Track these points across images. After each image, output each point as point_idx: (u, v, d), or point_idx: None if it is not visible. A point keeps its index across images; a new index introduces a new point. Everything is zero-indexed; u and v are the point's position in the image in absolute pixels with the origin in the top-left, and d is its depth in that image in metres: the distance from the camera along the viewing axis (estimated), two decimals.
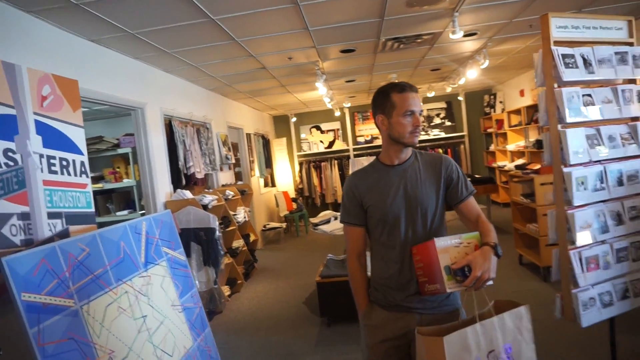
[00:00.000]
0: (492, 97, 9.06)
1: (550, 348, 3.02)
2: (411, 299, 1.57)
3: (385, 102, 1.58)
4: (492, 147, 9.11)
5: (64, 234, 2.46)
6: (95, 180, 4.77)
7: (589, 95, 2.27)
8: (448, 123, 9.42)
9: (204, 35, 3.58)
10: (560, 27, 2.24)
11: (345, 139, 9.69)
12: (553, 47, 2.18)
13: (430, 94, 8.04)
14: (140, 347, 2.31)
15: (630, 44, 2.44)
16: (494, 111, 8.94)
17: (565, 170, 2.21)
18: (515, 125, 7.86)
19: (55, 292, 1.90)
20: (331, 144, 9.73)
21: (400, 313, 1.59)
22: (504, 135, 8.41)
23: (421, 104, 1.60)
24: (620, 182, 2.36)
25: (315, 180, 9.52)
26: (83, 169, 2.73)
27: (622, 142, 2.37)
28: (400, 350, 1.60)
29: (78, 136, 2.72)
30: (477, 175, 7.62)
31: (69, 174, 2.62)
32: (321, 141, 9.76)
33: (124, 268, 2.40)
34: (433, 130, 9.44)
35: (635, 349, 2.84)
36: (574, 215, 2.22)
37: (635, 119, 2.44)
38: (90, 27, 3.09)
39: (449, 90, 7.69)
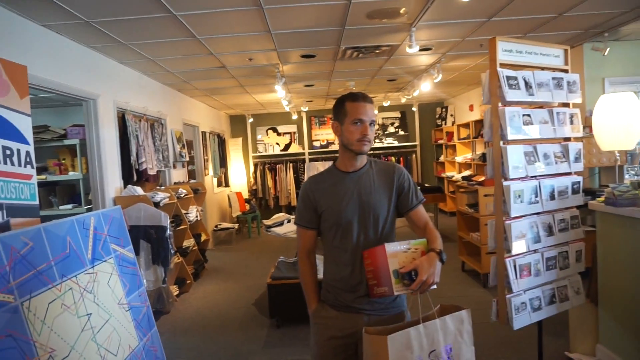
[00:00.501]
0: (444, 109, 9.47)
1: (486, 348, 3.22)
2: (360, 301, 1.64)
3: (340, 109, 1.66)
4: (442, 158, 9.51)
5: (4, 227, 2.35)
6: (38, 171, 4.51)
7: (529, 115, 2.47)
8: (401, 132, 9.73)
9: (163, 30, 3.52)
10: (506, 50, 2.43)
11: (301, 143, 9.77)
12: (499, 69, 2.36)
13: (386, 103, 8.28)
14: (84, 345, 2.24)
15: (566, 71, 2.67)
16: (445, 123, 9.34)
17: (505, 183, 2.39)
18: (464, 138, 8.26)
19: None
20: (287, 146, 9.77)
21: (349, 314, 1.66)
22: (454, 147, 8.81)
23: (374, 115, 1.66)
24: (552, 197, 2.57)
25: (270, 182, 9.52)
26: (28, 160, 2.62)
27: (555, 160, 2.59)
28: (347, 348, 1.67)
29: (24, 125, 2.61)
30: (426, 184, 7.93)
31: (12, 163, 2.51)
32: (277, 143, 9.77)
33: (70, 264, 2.32)
34: (387, 138, 9.71)
35: (559, 350, 3.09)
36: (510, 225, 2.40)
37: (567, 139, 2.67)
38: (43, 11, 2.96)
39: (403, 100, 7.96)
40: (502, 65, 2.41)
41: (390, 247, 1.51)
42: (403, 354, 1.43)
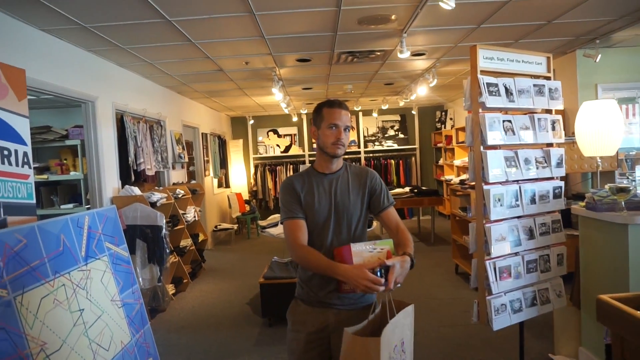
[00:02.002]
0: (443, 113, 9.52)
1: (469, 349, 3.28)
2: (331, 296, 1.73)
3: (317, 114, 1.77)
4: (441, 161, 9.55)
5: (1, 224, 2.44)
6: (40, 171, 4.64)
7: (509, 121, 2.54)
8: (401, 135, 9.79)
9: (160, 35, 3.61)
10: (487, 58, 2.50)
11: (301, 145, 9.85)
12: (479, 76, 2.43)
13: (385, 107, 8.35)
14: (75, 340, 2.32)
15: (548, 78, 2.74)
16: (445, 127, 9.39)
17: (485, 187, 2.45)
18: (462, 142, 8.29)
19: None
20: (287, 148, 9.85)
21: (321, 308, 1.75)
22: (452, 150, 8.85)
23: (349, 121, 1.76)
24: (533, 201, 2.64)
25: (270, 184, 9.60)
26: (26, 160, 2.71)
27: (536, 165, 2.65)
28: (321, 342, 1.75)
29: (22, 126, 2.70)
30: (424, 188, 7.98)
31: (9, 163, 2.60)
32: (278, 145, 9.86)
33: (63, 261, 2.41)
34: (387, 141, 9.77)
35: (543, 352, 3.14)
36: (490, 228, 2.46)
37: (549, 145, 2.73)
38: (41, 16, 3.06)
39: (402, 104, 8.03)
40: (484, 72, 2.48)
41: (356, 247, 1.61)
42: (385, 352, 1.49)
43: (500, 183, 2.51)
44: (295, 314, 1.81)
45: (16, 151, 2.64)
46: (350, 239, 1.74)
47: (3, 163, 2.54)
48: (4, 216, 2.51)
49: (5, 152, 2.56)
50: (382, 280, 1.51)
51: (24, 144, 2.71)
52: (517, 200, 2.57)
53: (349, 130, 1.75)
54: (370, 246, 1.62)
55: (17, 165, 2.64)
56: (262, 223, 4.88)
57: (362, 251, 1.60)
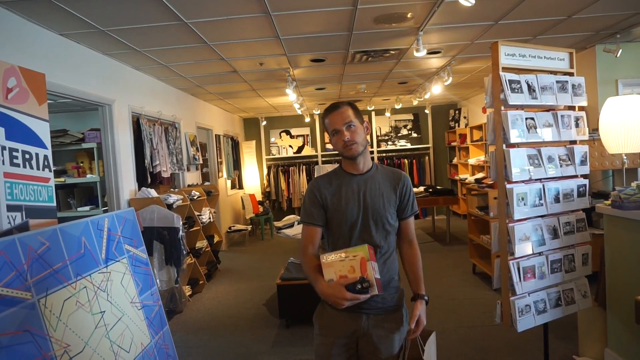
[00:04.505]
0: (457, 111, 9.43)
1: (493, 351, 3.22)
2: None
3: (324, 125, 1.76)
4: (455, 160, 9.46)
5: (23, 227, 2.46)
6: (57, 174, 4.69)
7: (532, 118, 2.48)
8: (414, 134, 9.72)
9: (175, 37, 3.62)
10: (509, 54, 2.45)
11: (314, 145, 9.83)
12: (501, 73, 2.38)
13: (398, 106, 8.29)
14: (97, 342, 2.34)
15: (571, 74, 2.68)
16: (458, 125, 9.30)
17: (508, 186, 2.41)
18: (477, 141, 8.21)
19: (13, 284, 1.92)
20: (300, 149, 9.85)
21: (349, 313, 1.68)
22: (467, 149, 8.76)
23: (350, 115, 1.67)
24: (557, 199, 2.58)
25: (283, 184, 9.61)
26: (46, 163, 2.73)
27: (560, 163, 2.59)
28: (349, 348, 1.71)
29: (42, 130, 2.72)
30: (438, 187, 7.90)
31: (31, 167, 2.62)
32: (290, 146, 9.86)
33: (84, 263, 2.42)
34: (400, 140, 9.71)
35: (568, 353, 3.07)
36: (513, 228, 2.41)
37: (572, 142, 2.68)
38: (61, 21, 3.09)
39: (415, 103, 7.96)
40: (505, 69, 2.43)
41: (326, 258, 1.55)
42: None
43: (523, 182, 2.46)
44: (322, 317, 1.77)
45: (37, 155, 2.66)
46: (379, 242, 1.70)
47: (25, 167, 2.56)
48: (26, 219, 2.53)
49: (27, 156, 2.58)
50: (362, 296, 1.47)
51: (45, 147, 2.73)
52: (540, 199, 2.52)
53: (353, 125, 1.67)
54: (342, 254, 1.54)
55: (38, 168, 2.67)
56: (278, 224, 4.88)
57: (333, 261, 1.53)
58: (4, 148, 2.41)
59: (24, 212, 2.52)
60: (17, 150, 2.50)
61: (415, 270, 1.78)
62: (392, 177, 1.77)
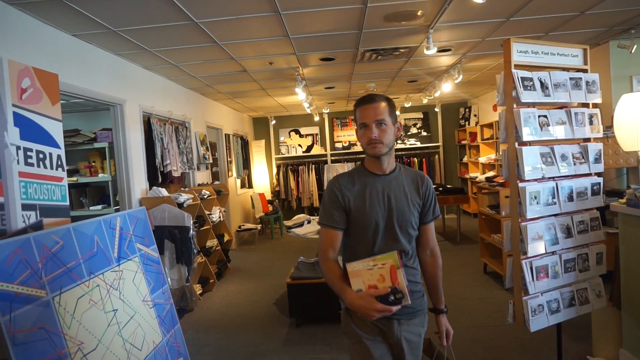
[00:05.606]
0: (467, 110, 9.36)
1: (505, 351, 3.20)
2: None
3: (355, 115, 1.66)
4: (465, 159, 9.39)
5: (37, 226, 2.50)
6: (70, 173, 4.74)
7: (545, 116, 2.45)
8: (424, 133, 9.67)
9: (186, 37, 3.64)
10: (521, 51, 2.42)
11: (323, 144, 9.83)
12: (513, 70, 2.35)
13: (408, 104, 8.25)
14: (110, 339, 2.36)
15: (585, 71, 2.64)
16: (468, 124, 9.23)
17: (520, 185, 2.38)
18: (488, 139, 8.14)
19: (28, 282, 1.94)
20: (309, 148, 9.85)
21: (380, 319, 1.57)
22: (477, 147, 8.70)
23: (382, 112, 1.56)
24: (570, 198, 2.55)
25: (292, 184, 9.62)
26: (59, 163, 2.77)
27: (573, 161, 2.56)
28: (383, 346, 1.65)
29: (56, 130, 2.75)
30: (449, 186, 7.86)
31: (45, 166, 2.65)
32: (300, 145, 9.87)
33: (97, 262, 2.45)
34: (409, 139, 9.67)
35: (581, 354, 3.04)
36: (526, 227, 2.39)
37: (586, 140, 2.64)
38: (73, 22, 3.12)
39: (425, 101, 7.92)
40: (518, 66, 2.40)
41: (353, 266, 1.47)
42: None
43: (536, 180, 2.43)
44: (350, 326, 1.67)
45: (50, 154, 2.69)
46: (403, 245, 1.63)
47: (39, 166, 2.59)
48: (40, 218, 2.56)
49: (41, 156, 2.61)
50: (394, 308, 1.41)
51: (58, 147, 2.76)
52: (553, 197, 2.48)
53: (384, 124, 1.56)
54: (370, 263, 1.47)
55: (51, 168, 2.70)
56: (288, 223, 4.88)
57: (359, 270, 1.46)
58: (19, 148, 2.45)
59: (38, 211, 2.55)
60: (31, 150, 2.54)
61: (436, 283, 1.75)
62: (415, 179, 1.69)
